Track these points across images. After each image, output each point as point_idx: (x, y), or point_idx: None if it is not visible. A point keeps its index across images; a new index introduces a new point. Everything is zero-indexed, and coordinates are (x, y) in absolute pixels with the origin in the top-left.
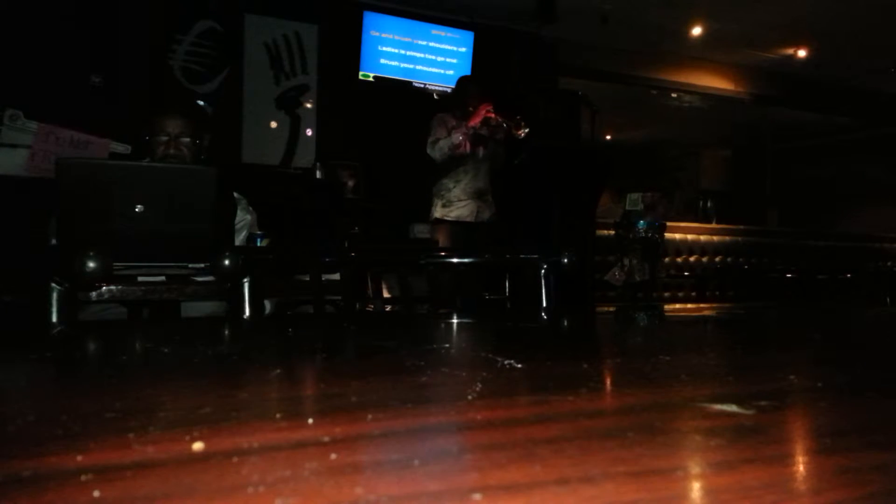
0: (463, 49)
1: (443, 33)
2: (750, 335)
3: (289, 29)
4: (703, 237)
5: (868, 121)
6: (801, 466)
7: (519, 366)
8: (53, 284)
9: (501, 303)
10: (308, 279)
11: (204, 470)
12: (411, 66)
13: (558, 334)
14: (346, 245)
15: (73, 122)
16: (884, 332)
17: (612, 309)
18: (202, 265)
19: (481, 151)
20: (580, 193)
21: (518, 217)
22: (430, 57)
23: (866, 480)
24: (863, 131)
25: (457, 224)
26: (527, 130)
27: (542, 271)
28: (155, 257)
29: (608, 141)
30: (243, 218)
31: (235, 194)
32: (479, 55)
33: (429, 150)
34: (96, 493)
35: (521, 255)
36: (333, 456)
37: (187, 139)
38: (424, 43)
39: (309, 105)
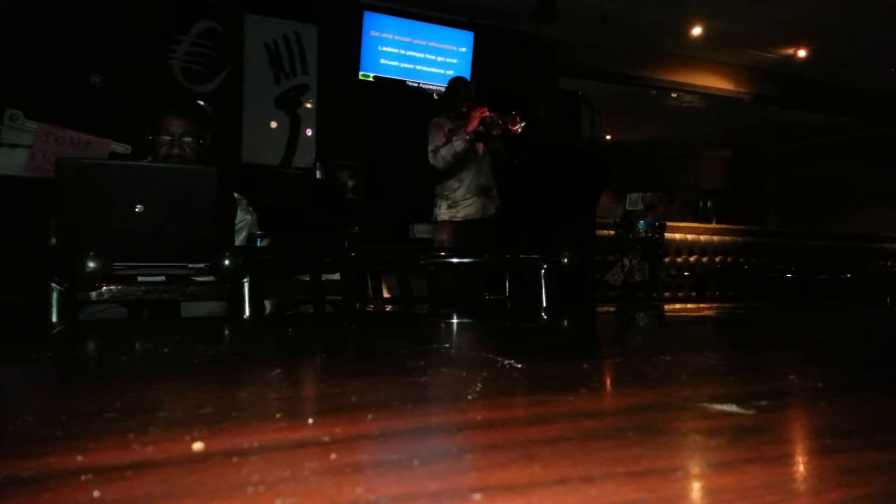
0: (463, 49)
1: (443, 33)
2: (750, 335)
3: (289, 29)
4: (703, 237)
5: (868, 121)
6: (801, 466)
7: (519, 366)
8: (53, 284)
9: (501, 303)
10: (308, 279)
11: (204, 470)
12: (411, 66)
13: (558, 334)
14: (346, 245)
15: (73, 122)
16: (884, 332)
17: (612, 309)
18: (202, 265)
19: (481, 148)
20: (580, 193)
21: (518, 217)
22: (430, 57)
23: (866, 480)
24: (863, 131)
25: (464, 224)
26: (523, 124)
27: (542, 271)
28: (155, 257)
29: (608, 141)
30: (243, 218)
31: (236, 195)
32: (479, 55)
33: (431, 160)
34: (96, 493)
35: (521, 255)
36: (333, 456)
37: (191, 139)
38: (424, 43)
39: (309, 105)
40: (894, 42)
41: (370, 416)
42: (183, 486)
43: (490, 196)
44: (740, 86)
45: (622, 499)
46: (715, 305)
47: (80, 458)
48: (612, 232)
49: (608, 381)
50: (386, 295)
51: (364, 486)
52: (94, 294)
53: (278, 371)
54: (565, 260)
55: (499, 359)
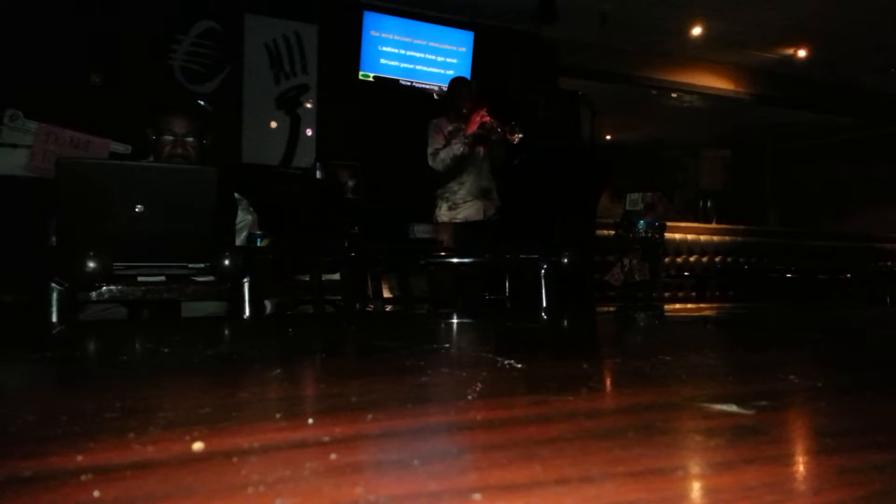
0: (463, 49)
1: (443, 33)
2: (750, 335)
3: (289, 29)
4: (703, 237)
5: (868, 121)
6: (801, 466)
7: (519, 366)
8: (53, 284)
9: (502, 303)
10: (308, 279)
11: (204, 470)
12: (411, 66)
13: (558, 334)
14: (346, 245)
15: (73, 122)
16: (884, 333)
17: (612, 309)
18: (202, 265)
19: (481, 151)
20: (580, 193)
21: (519, 217)
22: (430, 57)
23: (866, 480)
24: (863, 131)
25: (464, 225)
26: (521, 136)
27: (542, 271)
28: (155, 257)
29: (608, 141)
30: (244, 218)
31: (236, 195)
32: (479, 55)
33: (430, 163)
34: (96, 493)
35: (521, 255)
36: (333, 456)
37: (193, 139)
38: (424, 43)
39: (309, 105)
40: (894, 42)
41: (370, 416)
42: (183, 486)
43: (490, 198)
44: (740, 86)
45: (622, 499)
46: (715, 305)
47: (80, 458)
48: (612, 232)
49: (608, 381)
50: (386, 295)
51: (364, 486)
52: (94, 294)
53: (278, 371)
54: (565, 260)
55: (499, 359)
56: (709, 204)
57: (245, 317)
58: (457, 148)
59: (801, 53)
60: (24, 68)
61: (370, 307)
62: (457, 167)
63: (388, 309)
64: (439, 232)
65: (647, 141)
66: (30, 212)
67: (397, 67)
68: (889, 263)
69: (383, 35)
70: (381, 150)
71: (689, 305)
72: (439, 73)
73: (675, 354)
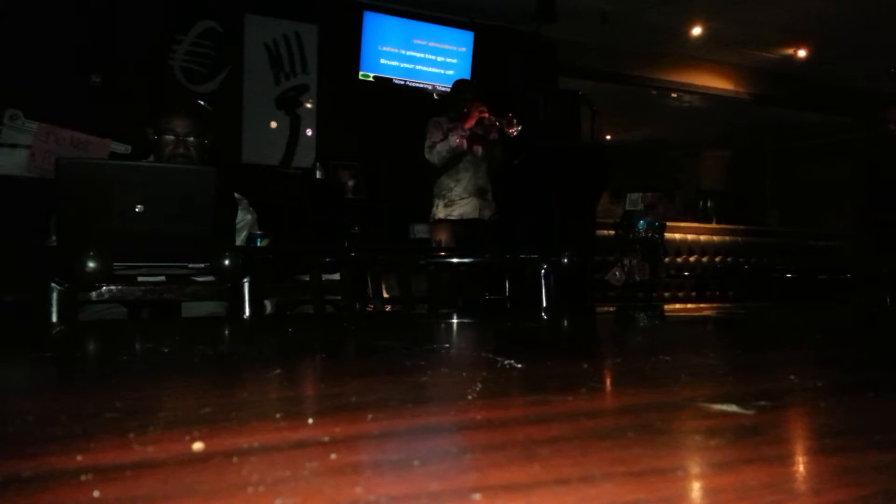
0: (463, 49)
1: (443, 33)
2: (750, 335)
3: (289, 29)
4: (703, 237)
5: (868, 121)
6: (801, 466)
7: (519, 366)
8: (53, 284)
9: (501, 303)
10: (308, 279)
11: (204, 470)
12: (411, 66)
13: (558, 334)
14: (346, 245)
15: (73, 122)
16: (884, 333)
17: (612, 309)
18: (202, 265)
19: (480, 150)
20: (580, 193)
21: (518, 217)
22: (430, 57)
23: (866, 480)
24: (863, 131)
25: (459, 223)
26: (519, 128)
27: (542, 271)
28: (155, 257)
29: (608, 141)
30: (244, 218)
31: (236, 195)
32: (479, 55)
33: (427, 155)
34: (96, 493)
35: (521, 255)
36: (333, 456)
37: (195, 139)
38: (424, 43)
39: (309, 105)
40: (894, 42)
41: (370, 416)
42: (183, 486)
43: (486, 199)
44: (740, 86)
45: (622, 499)
46: (715, 305)
47: (80, 458)
48: (612, 232)
49: (608, 381)
50: (386, 295)
51: (364, 486)
52: (94, 294)
53: (278, 371)
54: (565, 260)
55: (499, 359)
56: (709, 204)
57: (245, 317)
58: (454, 141)
59: (801, 53)
60: (24, 68)
61: (370, 307)
62: (452, 162)
63: (388, 309)
64: (436, 230)
65: (647, 141)
66: (30, 212)
67: (397, 67)
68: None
69: (383, 35)
70: (381, 150)
71: (689, 305)
72: (439, 73)
73: (675, 354)
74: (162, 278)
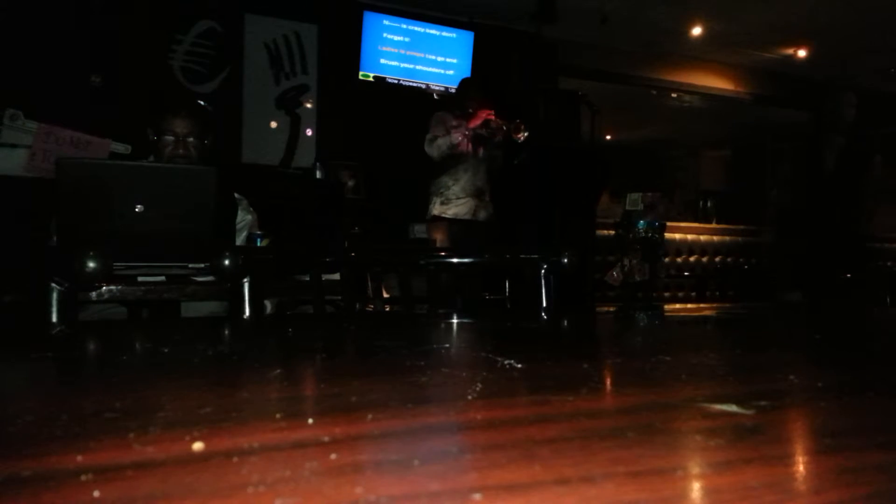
0: (463, 49)
1: (443, 33)
2: (750, 335)
3: (289, 29)
4: (703, 237)
5: (868, 121)
6: (801, 466)
7: (519, 366)
8: (53, 284)
9: (501, 303)
10: (308, 279)
11: (204, 470)
12: (411, 66)
13: (558, 334)
14: (346, 245)
15: (73, 122)
16: (884, 332)
17: (612, 309)
18: (202, 265)
19: (481, 152)
20: (580, 193)
21: (518, 217)
22: (430, 57)
23: (866, 480)
24: (863, 131)
25: (455, 222)
26: (526, 134)
27: (542, 271)
28: (155, 257)
29: (608, 141)
30: (244, 218)
31: (236, 195)
32: (479, 55)
33: (426, 148)
34: (96, 493)
35: (521, 255)
36: (333, 456)
37: (195, 139)
38: (424, 43)
39: (309, 105)
40: (894, 42)
41: (370, 416)
42: (183, 486)
43: (483, 200)
44: (740, 86)
45: (622, 499)
46: (715, 305)
47: (80, 458)
48: (612, 232)
49: (608, 381)
50: (386, 295)
51: (364, 486)
52: (94, 294)
53: (278, 371)
54: (565, 260)
55: (499, 359)
56: (709, 204)
57: (245, 317)
58: (455, 137)
59: (801, 53)
60: (24, 68)
61: (370, 307)
62: (451, 158)
63: (388, 309)
64: (432, 227)
65: (647, 141)
66: (30, 212)
67: (397, 67)
68: (889, 263)
69: (383, 35)
70: (381, 150)
71: (689, 305)
72: (439, 73)
73: (675, 354)
74: (162, 278)
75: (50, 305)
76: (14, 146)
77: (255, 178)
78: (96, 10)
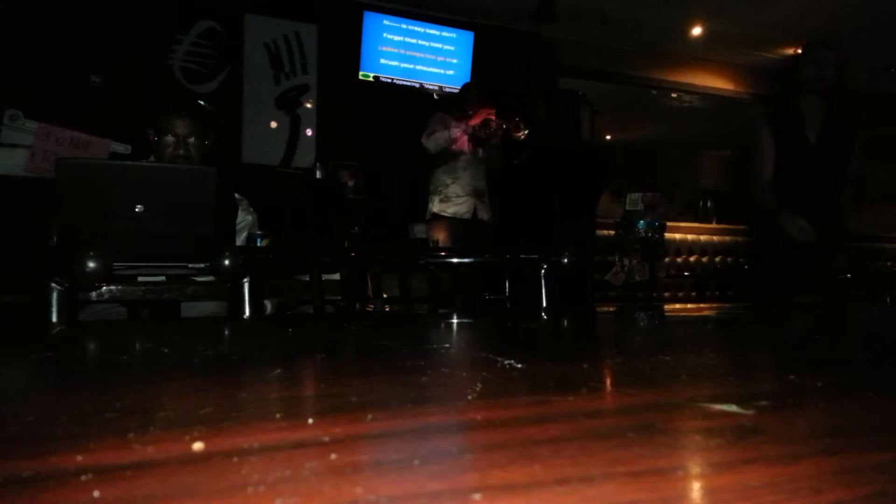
0: (463, 49)
1: (443, 33)
2: (750, 335)
3: (289, 29)
4: (703, 237)
5: (868, 121)
6: (801, 466)
7: (519, 366)
8: (53, 284)
9: (501, 303)
10: (308, 279)
11: (204, 470)
12: (411, 66)
13: (558, 334)
14: (346, 245)
15: (73, 122)
16: (884, 333)
17: (612, 309)
18: (202, 265)
19: (480, 152)
20: (580, 193)
21: (518, 217)
22: (430, 57)
23: (866, 480)
24: (862, 131)
25: (455, 220)
26: (526, 132)
27: (542, 271)
28: (155, 257)
29: (608, 141)
30: (244, 219)
31: (237, 195)
32: (479, 55)
33: (424, 140)
34: (96, 493)
35: (521, 255)
36: (333, 456)
37: (195, 140)
38: (424, 43)
39: (309, 105)
40: (894, 42)
41: (370, 416)
42: (183, 486)
43: (483, 200)
44: (740, 86)
45: (622, 499)
46: (715, 305)
47: (80, 458)
48: (612, 232)
49: (608, 381)
50: (386, 295)
51: (364, 486)
52: (94, 294)
53: (278, 371)
54: (565, 260)
55: (499, 359)
56: (709, 204)
57: (245, 317)
58: (454, 131)
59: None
60: (24, 68)
61: (370, 307)
62: (448, 155)
63: (388, 309)
64: (432, 226)
65: (647, 141)
66: (30, 212)
67: (397, 67)
68: (889, 263)
69: (383, 35)
70: (381, 150)
71: (689, 305)
72: (439, 73)
73: (675, 354)
74: (162, 278)
75: (50, 305)
76: (14, 146)
77: (255, 178)
78: (96, 10)
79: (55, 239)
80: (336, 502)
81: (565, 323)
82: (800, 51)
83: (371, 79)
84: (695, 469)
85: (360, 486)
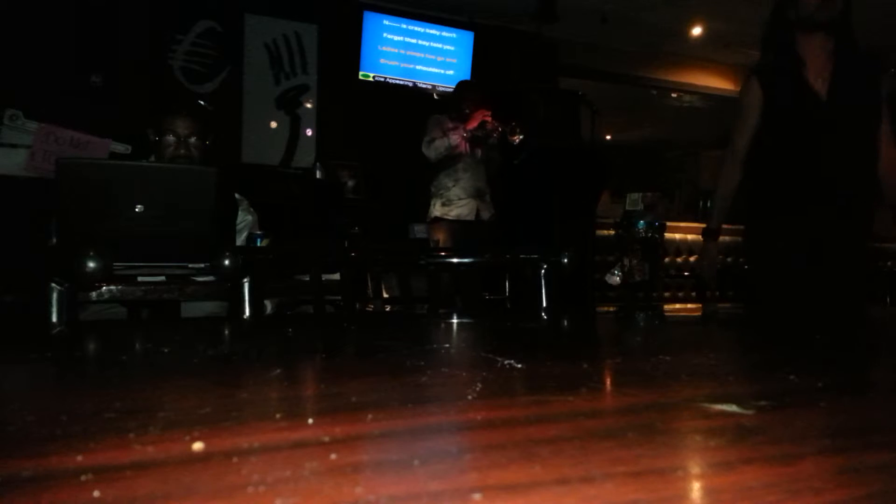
0: (463, 49)
1: (443, 33)
2: (750, 335)
3: (289, 29)
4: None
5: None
6: (801, 466)
7: (519, 366)
8: (53, 284)
9: (501, 303)
10: (308, 279)
11: (204, 470)
12: (411, 66)
13: (558, 334)
14: (346, 245)
15: (73, 122)
16: (884, 332)
17: (612, 309)
18: (202, 265)
19: (479, 152)
20: (580, 193)
21: (518, 217)
22: (430, 57)
23: (866, 480)
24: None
25: (457, 223)
26: (522, 136)
27: (542, 271)
28: (155, 257)
29: (608, 141)
30: (244, 219)
31: (237, 195)
32: (479, 55)
33: (424, 150)
34: (96, 493)
35: (521, 255)
36: (333, 456)
37: (196, 140)
38: (424, 43)
39: (309, 105)
40: (894, 42)
41: (370, 416)
42: (183, 486)
43: (485, 200)
44: (740, 86)
45: (622, 499)
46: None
47: (80, 458)
48: (612, 232)
49: (608, 381)
50: (386, 295)
51: (364, 486)
52: (94, 294)
53: (278, 371)
54: (565, 260)
55: (499, 359)
56: (709, 204)
57: (245, 317)
58: (454, 139)
59: None
60: (24, 68)
61: (370, 307)
62: (449, 160)
63: (388, 309)
64: (433, 229)
65: (647, 141)
66: (30, 212)
67: (397, 67)
68: (889, 263)
69: (383, 35)
70: (381, 150)
71: (689, 305)
72: (439, 73)
73: (675, 354)
74: (162, 278)
75: (50, 305)
76: (14, 146)
77: (255, 178)
78: (96, 10)
79: (55, 239)
80: (336, 502)
81: (565, 323)
82: None
83: (371, 79)
84: (695, 469)
85: (360, 486)
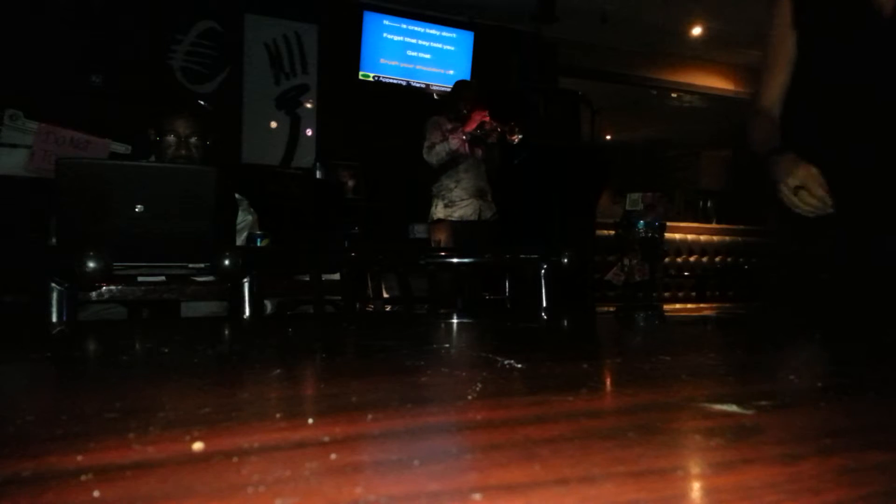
0: (463, 49)
1: (443, 33)
2: (750, 335)
3: (289, 29)
4: (703, 237)
5: None
6: (801, 466)
7: (519, 366)
8: (53, 284)
9: (501, 303)
10: (308, 279)
11: (204, 470)
12: (411, 66)
13: (558, 334)
14: (346, 245)
15: (73, 122)
16: (884, 333)
17: (612, 309)
18: (202, 265)
19: (480, 152)
20: (580, 193)
21: (518, 217)
22: (430, 57)
23: (866, 480)
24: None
25: (460, 223)
26: (521, 136)
27: (542, 271)
28: (155, 257)
29: (608, 141)
30: (244, 219)
31: (237, 195)
32: (479, 55)
33: (425, 155)
34: (96, 493)
35: (521, 255)
36: (333, 456)
37: (197, 140)
38: (424, 43)
39: (309, 105)
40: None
41: (370, 416)
42: (183, 486)
43: (486, 200)
44: (740, 86)
45: (622, 499)
46: (715, 305)
47: (80, 458)
48: (612, 232)
49: (608, 381)
50: (386, 295)
51: (364, 486)
52: (94, 294)
53: (278, 371)
54: (565, 260)
55: (499, 359)
56: (709, 204)
57: (245, 317)
58: (454, 142)
59: None
60: (24, 68)
61: (370, 307)
62: (451, 163)
63: (388, 309)
64: (436, 230)
65: (647, 141)
66: (30, 212)
67: (397, 67)
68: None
69: (383, 35)
70: (381, 150)
71: (689, 305)
72: (439, 73)
73: (675, 354)
74: (162, 278)
75: (50, 305)
76: (14, 146)
77: (255, 178)
78: (96, 10)
79: (55, 239)
80: (336, 502)
81: (565, 323)
82: None
83: (371, 79)
84: (695, 469)
85: (360, 486)
